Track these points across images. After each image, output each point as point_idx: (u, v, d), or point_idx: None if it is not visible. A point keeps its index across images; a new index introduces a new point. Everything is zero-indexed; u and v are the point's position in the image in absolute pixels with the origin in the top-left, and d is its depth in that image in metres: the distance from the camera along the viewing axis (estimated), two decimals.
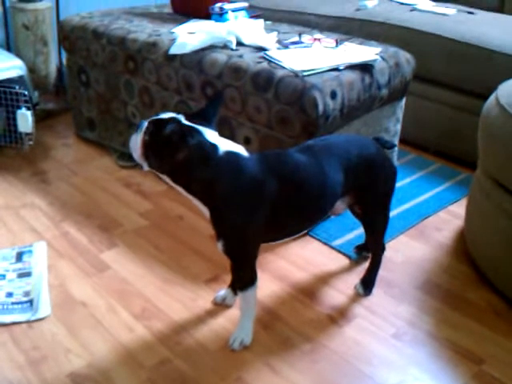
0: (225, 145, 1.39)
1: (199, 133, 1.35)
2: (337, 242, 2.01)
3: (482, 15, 2.89)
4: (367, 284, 1.78)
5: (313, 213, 1.57)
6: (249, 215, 1.41)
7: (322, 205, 1.55)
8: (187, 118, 1.38)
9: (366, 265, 1.82)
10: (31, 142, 2.54)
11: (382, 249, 1.78)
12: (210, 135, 1.38)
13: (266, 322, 1.65)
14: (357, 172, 1.57)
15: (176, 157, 1.33)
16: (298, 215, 1.53)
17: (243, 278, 1.54)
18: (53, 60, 3.12)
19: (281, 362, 1.51)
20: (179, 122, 1.36)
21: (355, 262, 1.92)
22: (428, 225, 2.15)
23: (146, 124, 1.39)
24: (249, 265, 1.51)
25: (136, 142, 1.41)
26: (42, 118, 2.92)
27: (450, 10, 2.90)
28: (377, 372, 1.49)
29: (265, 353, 1.54)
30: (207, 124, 1.40)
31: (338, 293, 1.78)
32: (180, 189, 1.42)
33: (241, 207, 1.40)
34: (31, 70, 2.90)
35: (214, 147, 1.36)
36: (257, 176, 1.40)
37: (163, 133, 1.32)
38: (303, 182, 1.48)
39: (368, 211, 1.70)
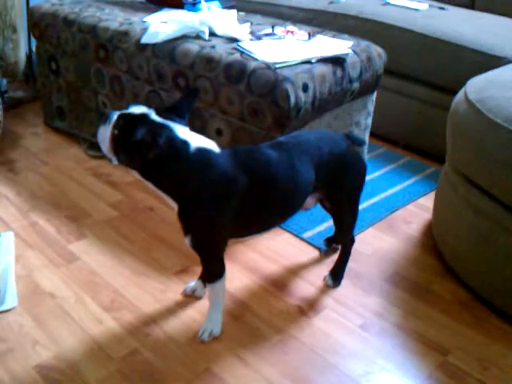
0: (196, 141, 1.38)
1: (170, 130, 1.34)
2: (307, 234, 2.03)
3: (453, 11, 2.93)
4: (336, 276, 1.79)
5: (283, 209, 1.56)
6: (218, 212, 1.41)
7: (293, 201, 1.56)
8: (158, 113, 1.37)
9: (335, 257, 1.84)
10: None
11: (351, 241, 1.80)
12: (181, 131, 1.36)
13: (236, 314, 1.65)
14: (327, 169, 1.57)
15: (146, 155, 1.32)
16: (268, 211, 1.53)
17: (211, 271, 1.55)
18: (22, 47, 3.07)
19: (250, 354, 1.52)
20: (150, 121, 1.34)
21: (325, 253, 1.94)
22: (397, 218, 2.18)
23: (115, 117, 1.36)
24: (217, 259, 1.51)
25: (105, 135, 1.38)
26: (10, 107, 2.87)
27: (422, 5, 2.93)
28: (344, 363, 1.50)
29: (234, 344, 1.55)
30: (179, 119, 1.39)
31: (308, 284, 1.79)
32: (149, 184, 1.41)
33: (210, 204, 1.39)
34: (0, 57, 2.85)
35: (185, 144, 1.35)
36: (227, 172, 1.40)
37: (133, 136, 1.29)
38: (274, 179, 1.47)
39: (338, 206, 1.71)
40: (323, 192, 1.65)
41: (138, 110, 1.37)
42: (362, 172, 1.69)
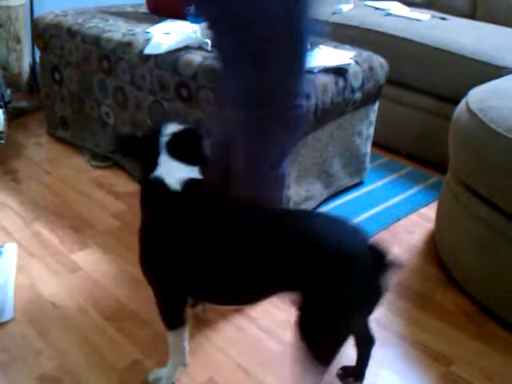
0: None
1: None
2: None
3: (454, 21, 2.94)
4: (362, 375, 1.46)
5: (235, 290, 1.31)
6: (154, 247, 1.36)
7: (244, 288, 1.29)
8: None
9: None
10: (3, 141, 2.51)
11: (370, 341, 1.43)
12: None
13: (238, 324, 1.65)
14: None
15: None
16: (214, 283, 1.30)
17: (160, 314, 1.41)
18: (26, 58, 3.09)
19: (253, 364, 1.52)
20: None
21: None
22: (399, 227, 2.18)
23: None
24: (161, 302, 1.39)
25: None
26: (14, 117, 2.88)
27: (424, 15, 2.94)
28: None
29: (237, 354, 1.54)
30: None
31: None
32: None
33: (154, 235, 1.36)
34: (4, 67, 2.87)
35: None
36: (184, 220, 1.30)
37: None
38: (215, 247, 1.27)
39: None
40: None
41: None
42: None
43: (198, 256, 1.27)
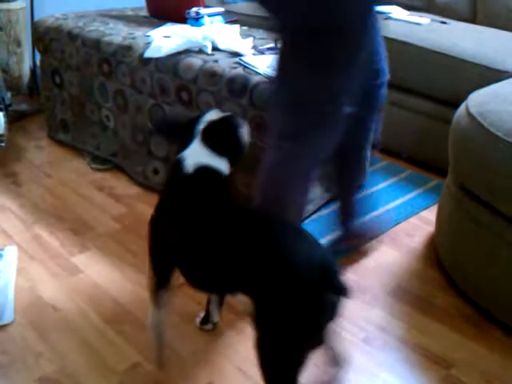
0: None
1: None
2: None
3: (454, 25, 2.94)
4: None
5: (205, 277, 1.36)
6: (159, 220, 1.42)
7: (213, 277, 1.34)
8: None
9: None
10: (3, 144, 2.51)
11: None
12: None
13: (238, 327, 1.65)
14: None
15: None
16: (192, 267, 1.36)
17: (149, 276, 1.48)
18: (26, 61, 3.09)
19: (253, 367, 1.50)
20: None
21: None
22: (399, 231, 2.18)
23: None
24: (152, 270, 1.45)
25: None
26: (14, 120, 2.88)
27: (424, 19, 2.95)
28: (347, 377, 1.50)
29: (237, 357, 1.54)
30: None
31: None
32: None
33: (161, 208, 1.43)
34: (4, 70, 2.88)
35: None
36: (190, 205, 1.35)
37: None
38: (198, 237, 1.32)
39: None
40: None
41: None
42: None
43: (180, 236, 1.35)
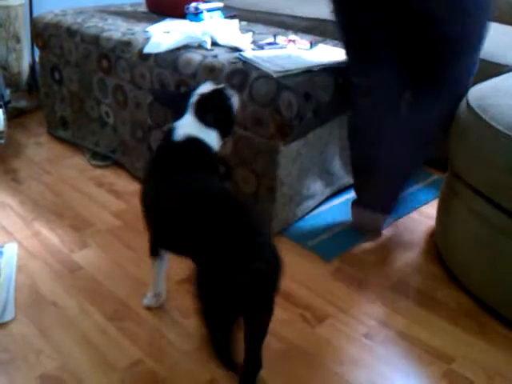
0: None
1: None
2: (310, 243, 2.02)
3: None
4: None
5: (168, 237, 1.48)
6: (152, 182, 1.53)
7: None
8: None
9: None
10: (3, 141, 2.51)
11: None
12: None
13: (240, 323, 1.65)
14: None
15: None
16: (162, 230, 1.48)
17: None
18: (25, 57, 3.09)
19: None
20: None
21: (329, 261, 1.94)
22: (400, 225, 2.18)
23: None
24: (146, 226, 1.55)
25: None
26: (14, 116, 2.88)
27: None
28: (348, 372, 1.50)
29: (239, 353, 1.54)
30: None
31: (311, 293, 1.79)
32: None
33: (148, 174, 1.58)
34: (3, 67, 2.87)
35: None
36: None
37: None
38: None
39: None
40: None
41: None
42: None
43: (153, 196, 1.49)
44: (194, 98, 1.53)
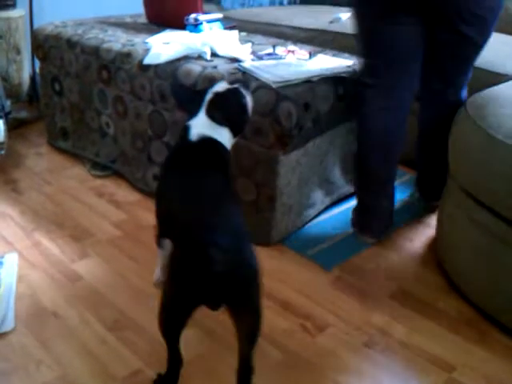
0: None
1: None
2: (310, 252, 2.02)
3: None
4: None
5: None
6: (163, 179, 1.61)
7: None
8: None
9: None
10: (3, 151, 2.51)
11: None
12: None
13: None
14: None
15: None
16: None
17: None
18: (26, 68, 3.10)
19: (256, 373, 1.51)
20: None
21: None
22: (400, 234, 2.18)
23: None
24: (156, 218, 1.60)
25: None
26: (14, 127, 2.89)
27: None
28: (349, 380, 1.50)
29: (237, 362, 1.53)
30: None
31: (311, 302, 1.78)
32: None
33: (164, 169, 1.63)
34: (4, 78, 2.88)
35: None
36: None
37: None
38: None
39: None
40: None
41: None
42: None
43: (165, 192, 1.54)
44: (208, 97, 1.57)
